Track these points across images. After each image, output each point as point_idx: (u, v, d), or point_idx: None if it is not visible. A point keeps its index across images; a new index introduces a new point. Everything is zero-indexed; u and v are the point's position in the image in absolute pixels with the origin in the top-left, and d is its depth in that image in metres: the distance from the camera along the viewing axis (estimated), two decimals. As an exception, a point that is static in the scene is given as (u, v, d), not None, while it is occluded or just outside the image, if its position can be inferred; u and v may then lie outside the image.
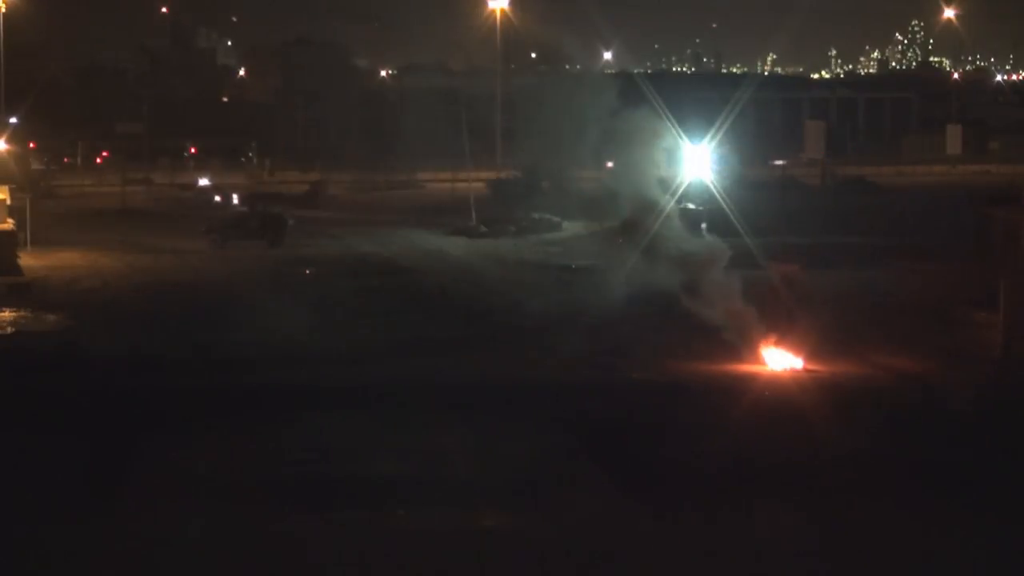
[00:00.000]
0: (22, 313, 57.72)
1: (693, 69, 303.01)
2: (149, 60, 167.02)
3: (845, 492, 32.88)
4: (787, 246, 65.21)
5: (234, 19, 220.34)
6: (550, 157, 78.90)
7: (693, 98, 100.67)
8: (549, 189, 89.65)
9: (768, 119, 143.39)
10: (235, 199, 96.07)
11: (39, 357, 47.91)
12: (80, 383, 44.02)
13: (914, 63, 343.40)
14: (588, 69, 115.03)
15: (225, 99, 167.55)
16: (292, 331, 52.47)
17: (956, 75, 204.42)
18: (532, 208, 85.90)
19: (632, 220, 60.24)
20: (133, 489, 33.19)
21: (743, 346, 47.59)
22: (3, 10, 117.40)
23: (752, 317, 48.12)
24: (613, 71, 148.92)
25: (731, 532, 30.27)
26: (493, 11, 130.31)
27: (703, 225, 63.72)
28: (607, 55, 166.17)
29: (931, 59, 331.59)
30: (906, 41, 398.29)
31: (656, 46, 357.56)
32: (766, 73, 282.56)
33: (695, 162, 61.79)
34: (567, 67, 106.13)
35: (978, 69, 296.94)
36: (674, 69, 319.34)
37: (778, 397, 42.64)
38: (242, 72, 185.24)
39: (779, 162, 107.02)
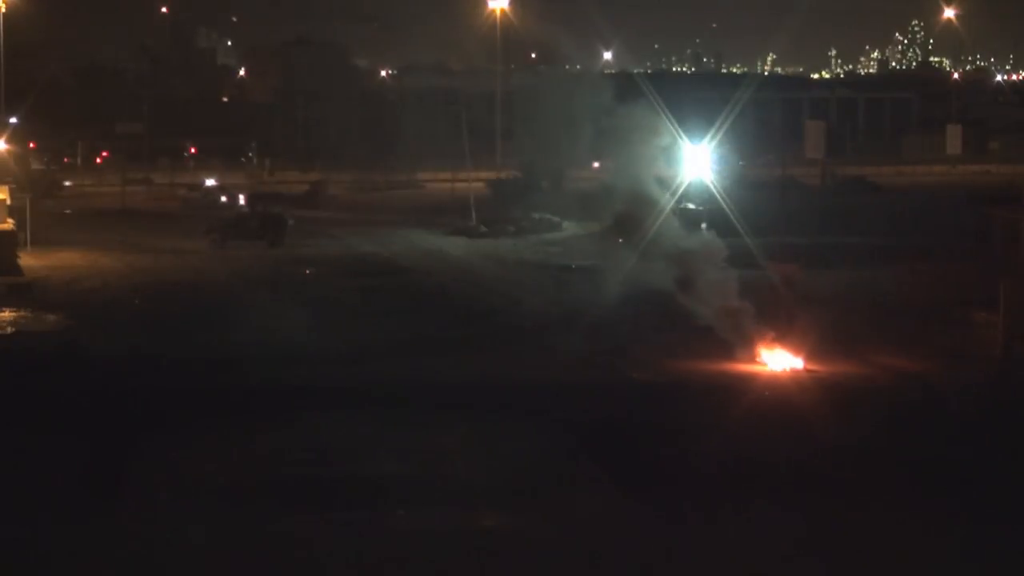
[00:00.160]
0: (22, 313, 57.73)
1: (693, 69, 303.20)
2: (149, 60, 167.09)
3: (845, 492, 32.89)
4: (787, 246, 65.19)
5: (234, 19, 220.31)
6: (550, 157, 78.90)
7: (693, 98, 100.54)
8: (549, 189, 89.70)
9: (768, 119, 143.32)
10: (242, 199, 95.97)
11: (39, 357, 47.90)
12: (80, 383, 44.00)
13: (914, 63, 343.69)
14: (588, 69, 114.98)
15: (225, 99, 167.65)
16: (292, 331, 52.51)
17: (956, 75, 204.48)
18: (532, 208, 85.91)
19: (632, 220, 60.22)
20: (133, 489, 33.19)
21: (743, 346, 47.61)
22: (3, 10, 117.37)
23: (752, 317, 48.13)
24: (613, 71, 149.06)
25: (731, 532, 30.26)
26: (493, 11, 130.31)
27: (703, 225, 63.67)
28: (607, 55, 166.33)
29: (931, 59, 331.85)
30: (906, 41, 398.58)
31: (656, 46, 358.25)
32: (766, 73, 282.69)
33: (695, 162, 61.75)
34: (567, 67, 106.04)
35: (978, 69, 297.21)
36: (674, 69, 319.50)
37: (778, 397, 42.66)
38: (242, 72, 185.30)
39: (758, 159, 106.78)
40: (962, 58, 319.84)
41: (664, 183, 56.80)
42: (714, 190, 65.42)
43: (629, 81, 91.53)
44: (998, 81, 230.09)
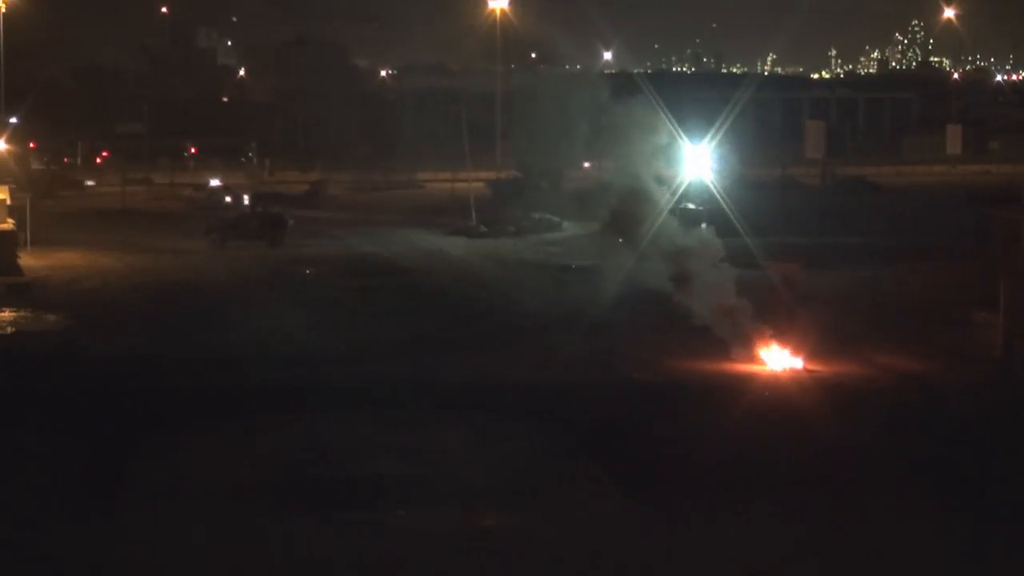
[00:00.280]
0: (22, 313, 57.74)
1: (693, 69, 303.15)
2: (149, 60, 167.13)
3: (845, 492, 32.89)
4: (787, 246, 65.16)
5: (234, 19, 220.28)
6: (550, 157, 78.91)
7: (693, 98, 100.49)
8: (548, 189, 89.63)
9: (768, 119, 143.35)
10: (246, 200, 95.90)
11: (39, 357, 47.90)
12: (80, 383, 44.00)
13: (914, 63, 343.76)
14: (588, 69, 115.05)
15: (225, 99, 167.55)
16: (292, 331, 52.50)
17: (956, 75, 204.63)
18: (532, 208, 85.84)
19: (632, 220, 60.18)
20: (133, 489, 33.20)
21: (743, 346, 47.59)
22: (3, 10, 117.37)
23: (752, 317, 48.11)
24: (613, 71, 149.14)
25: (731, 532, 30.26)
26: (493, 11, 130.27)
27: (703, 225, 63.64)
28: (607, 55, 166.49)
29: (931, 59, 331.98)
30: (906, 41, 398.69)
31: (656, 46, 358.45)
32: (766, 73, 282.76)
33: (695, 162, 61.71)
34: (567, 67, 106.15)
35: (978, 69, 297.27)
36: (674, 69, 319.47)
37: (778, 397, 42.66)
38: (242, 72, 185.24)
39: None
40: (962, 58, 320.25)
41: (664, 183, 56.79)
42: (714, 190, 65.39)
43: (629, 81, 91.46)
44: (998, 81, 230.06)
